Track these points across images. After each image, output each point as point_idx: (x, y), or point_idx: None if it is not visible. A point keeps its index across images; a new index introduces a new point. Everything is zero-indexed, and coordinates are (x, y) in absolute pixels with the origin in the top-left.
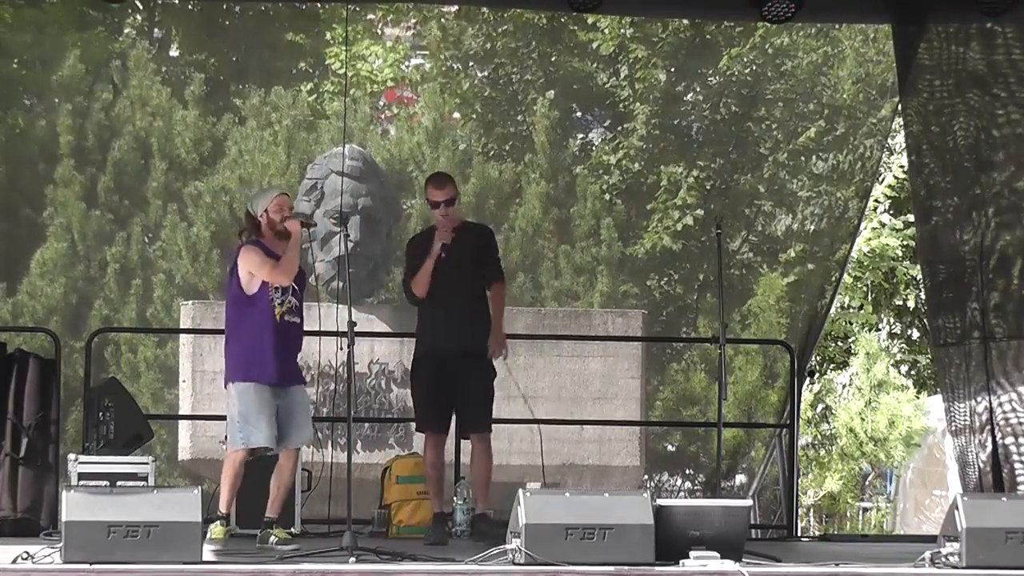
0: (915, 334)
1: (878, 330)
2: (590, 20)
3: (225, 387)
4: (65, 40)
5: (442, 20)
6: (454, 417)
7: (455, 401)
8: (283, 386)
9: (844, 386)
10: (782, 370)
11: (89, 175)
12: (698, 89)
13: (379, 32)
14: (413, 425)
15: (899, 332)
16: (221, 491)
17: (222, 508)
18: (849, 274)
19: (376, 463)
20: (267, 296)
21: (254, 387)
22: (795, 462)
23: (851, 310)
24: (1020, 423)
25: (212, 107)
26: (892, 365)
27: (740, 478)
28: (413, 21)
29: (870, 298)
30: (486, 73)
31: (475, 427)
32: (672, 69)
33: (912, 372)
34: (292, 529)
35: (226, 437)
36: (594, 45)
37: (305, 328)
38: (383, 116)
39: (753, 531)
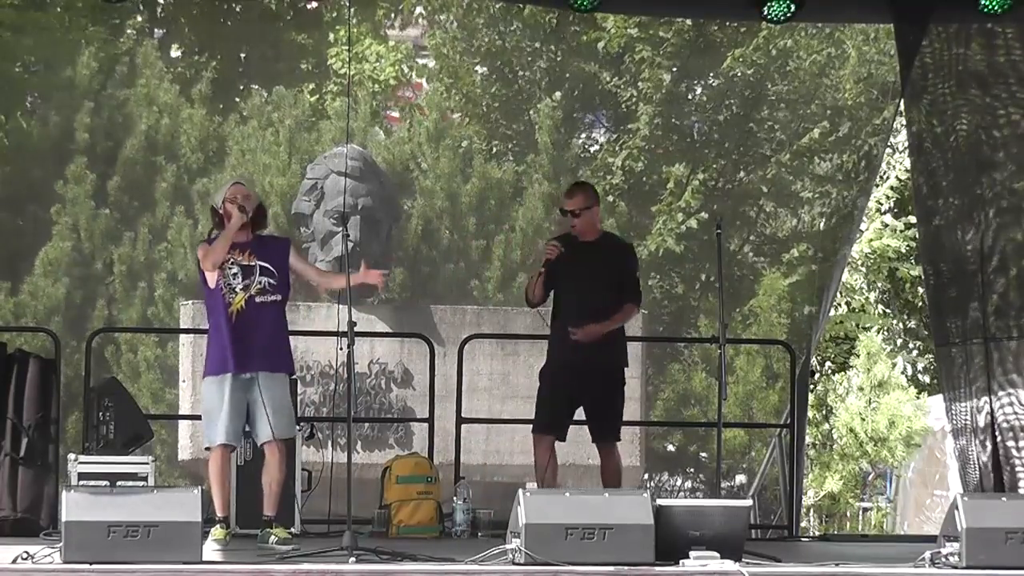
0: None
1: (889, 330)
2: (596, 18)
3: None
4: (69, 41)
5: (447, 20)
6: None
7: (582, 410)
8: (251, 373)
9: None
10: (783, 370)
11: (100, 173)
12: (700, 90)
13: (384, 34)
14: (413, 425)
15: (915, 327)
16: (212, 494)
17: (218, 511)
18: (851, 275)
19: (376, 463)
20: (220, 285)
21: (216, 382)
22: (798, 463)
23: (856, 311)
24: (1021, 424)
25: (217, 106)
26: (909, 363)
27: (740, 478)
28: (420, 20)
29: (872, 299)
30: (490, 73)
31: (602, 437)
32: (676, 70)
33: (927, 369)
34: (292, 529)
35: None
36: (599, 44)
37: (305, 328)
38: (384, 116)
39: (753, 531)
